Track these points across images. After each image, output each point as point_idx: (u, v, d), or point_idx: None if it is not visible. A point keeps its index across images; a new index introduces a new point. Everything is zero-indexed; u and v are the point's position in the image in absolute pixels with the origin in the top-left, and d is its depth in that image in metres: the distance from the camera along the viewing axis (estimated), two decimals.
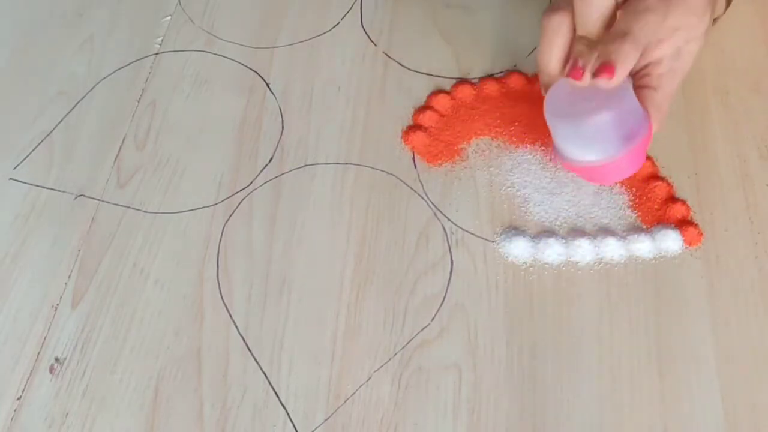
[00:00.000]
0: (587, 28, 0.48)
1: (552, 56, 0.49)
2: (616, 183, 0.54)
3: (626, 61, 0.45)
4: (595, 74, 0.45)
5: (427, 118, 0.58)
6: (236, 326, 0.49)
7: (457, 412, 0.46)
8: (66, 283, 0.51)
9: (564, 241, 0.52)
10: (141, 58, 0.63)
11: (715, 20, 0.55)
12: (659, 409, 0.46)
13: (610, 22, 0.48)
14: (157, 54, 0.63)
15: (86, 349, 0.49)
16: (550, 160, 0.55)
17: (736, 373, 0.47)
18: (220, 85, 0.61)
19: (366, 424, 0.46)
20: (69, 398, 0.47)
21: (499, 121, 0.57)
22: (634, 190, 0.54)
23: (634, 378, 0.47)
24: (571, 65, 0.47)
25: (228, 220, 0.54)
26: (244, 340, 0.49)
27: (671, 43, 0.48)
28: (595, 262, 0.51)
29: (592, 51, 0.47)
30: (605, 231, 0.52)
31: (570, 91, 0.48)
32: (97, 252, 0.52)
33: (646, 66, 0.49)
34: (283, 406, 0.46)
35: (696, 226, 0.52)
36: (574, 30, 0.49)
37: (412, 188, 0.55)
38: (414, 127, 0.57)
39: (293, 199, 0.55)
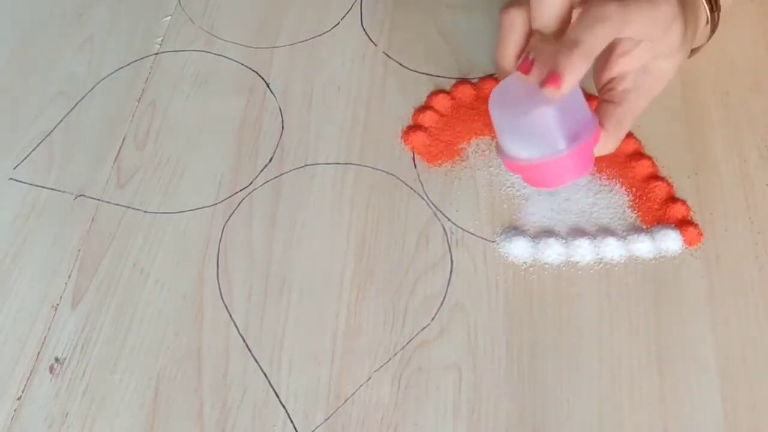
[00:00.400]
0: (542, 23, 0.46)
1: (507, 52, 0.48)
2: (559, 187, 0.51)
3: (574, 72, 0.43)
4: (542, 84, 0.43)
5: (427, 118, 0.58)
6: (236, 326, 0.49)
7: (457, 412, 0.46)
8: (66, 283, 0.51)
9: (564, 241, 0.52)
10: (141, 58, 0.63)
11: (695, 50, 0.55)
12: (659, 409, 0.46)
13: (567, 17, 0.46)
14: (157, 54, 0.63)
15: (86, 349, 0.49)
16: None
17: (736, 373, 0.47)
18: (220, 85, 0.61)
19: (366, 424, 0.46)
20: (69, 398, 0.47)
21: None
22: (634, 190, 0.54)
23: (634, 378, 0.47)
24: (522, 59, 0.46)
25: (228, 220, 0.54)
26: (244, 340, 0.49)
27: (636, 56, 0.47)
28: (595, 262, 0.51)
29: (546, 46, 0.45)
30: (605, 231, 0.52)
31: (520, 86, 0.46)
32: (97, 252, 0.52)
33: (611, 80, 0.48)
34: (283, 406, 0.46)
35: (696, 226, 0.52)
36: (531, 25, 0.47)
37: (412, 188, 0.55)
38: (414, 127, 0.57)
39: (293, 199, 0.55)
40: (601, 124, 0.48)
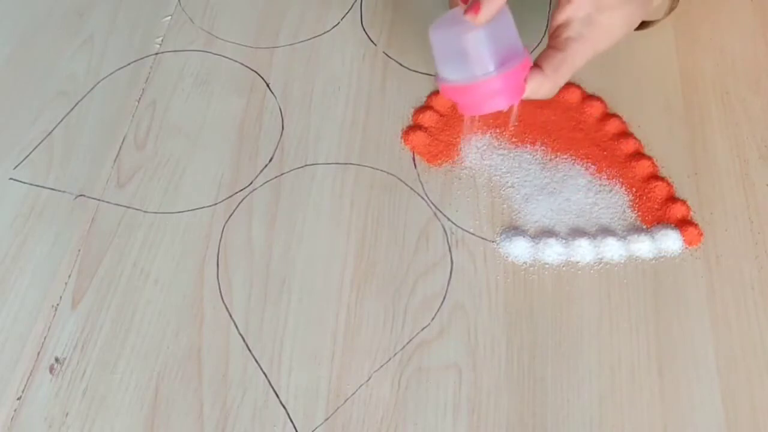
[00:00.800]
0: None
1: None
2: (488, 112, 0.50)
3: (491, 3, 0.45)
4: (465, 12, 0.46)
5: (427, 118, 0.58)
6: (236, 326, 0.49)
7: (457, 412, 0.46)
8: (66, 283, 0.51)
9: (564, 241, 0.52)
10: (141, 58, 0.63)
11: (650, 23, 0.55)
12: (659, 409, 0.46)
13: None
14: (157, 54, 0.63)
15: (86, 349, 0.49)
16: (550, 160, 0.56)
17: (736, 373, 0.47)
18: (220, 85, 0.61)
19: (366, 424, 0.46)
20: (69, 398, 0.47)
21: (499, 120, 0.57)
22: (634, 190, 0.54)
23: (634, 378, 0.47)
24: None
25: (228, 220, 0.54)
26: (244, 340, 0.49)
27: (577, 4, 0.48)
28: (595, 262, 0.51)
29: None
30: (605, 231, 0.52)
31: (461, 16, 0.47)
32: (97, 252, 0.52)
33: (558, 27, 0.50)
34: (283, 406, 0.46)
35: (696, 226, 0.52)
36: None
37: (412, 188, 0.55)
38: (414, 127, 0.57)
39: (293, 199, 0.55)
40: (540, 66, 0.49)
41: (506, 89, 0.48)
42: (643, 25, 0.54)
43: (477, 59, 0.47)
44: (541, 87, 0.48)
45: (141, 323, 0.50)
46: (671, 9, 0.56)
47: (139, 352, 0.48)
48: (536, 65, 0.49)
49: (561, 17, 0.49)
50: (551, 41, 0.50)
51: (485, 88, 0.48)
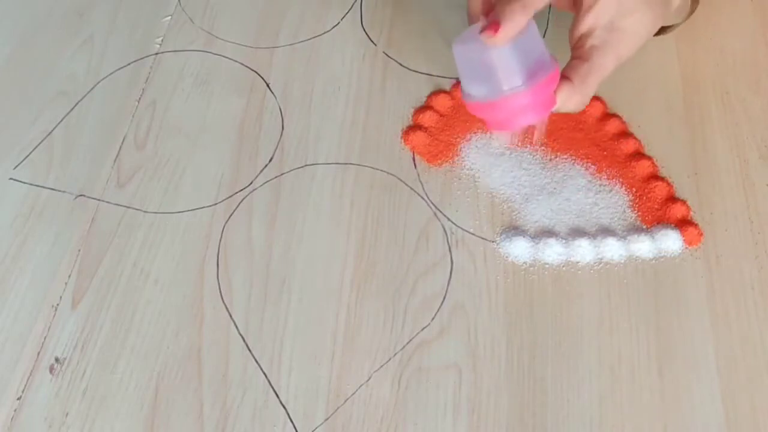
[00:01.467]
0: None
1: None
2: (521, 129, 0.49)
3: (512, 21, 0.44)
4: (481, 31, 0.44)
5: (427, 118, 0.58)
6: (236, 326, 0.49)
7: (457, 412, 0.46)
8: (66, 283, 0.51)
9: (564, 241, 0.52)
10: (141, 58, 0.63)
11: (669, 28, 0.55)
12: (659, 409, 0.46)
13: None
14: (157, 54, 0.63)
15: (86, 349, 0.49)
16: (550, 160, 0.56)
17: (736, 373, 0.47)
18: (220, 85, 0.61)
19: (366, 424, 0.46)
20: (69, 398, 0.47)
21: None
22: (634, 190, 0.54)
23: (634, 378, 0.47)
24: (487, 4, 0.47)
25: (228, 220, 0.54)
26: (244, 340, 0.49)
27: (599, 11, 0.48)
28: (595, 262, 0.51)
29: None
30: (605, 231, 0.52)
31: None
32: (97, 252, 0.52)
33: (580, 37, 0.49)
34: (283, 406, 0.46)
35: (696, 226, 0.52)
36: None
37: (412, 188, 0.55)
38: (414, 127, 0.57)
39: (293, 199, 0.55)
40: (568, 77, 0.48)
41: (535, 103, 0.46)
42: (662, 30, 0.54)
43: (503, 74, 0.46)
44: (570, 99, 0.47)
45: (141, 323, 0.50)
46: (691, 12, 0.56)
47: (139, 352, 0.48)
48: (564, 76, 0.47)
49: (583, 26, 0.48)
50: (575, 52, 0.49)
51: (514, 104, 0.46)
